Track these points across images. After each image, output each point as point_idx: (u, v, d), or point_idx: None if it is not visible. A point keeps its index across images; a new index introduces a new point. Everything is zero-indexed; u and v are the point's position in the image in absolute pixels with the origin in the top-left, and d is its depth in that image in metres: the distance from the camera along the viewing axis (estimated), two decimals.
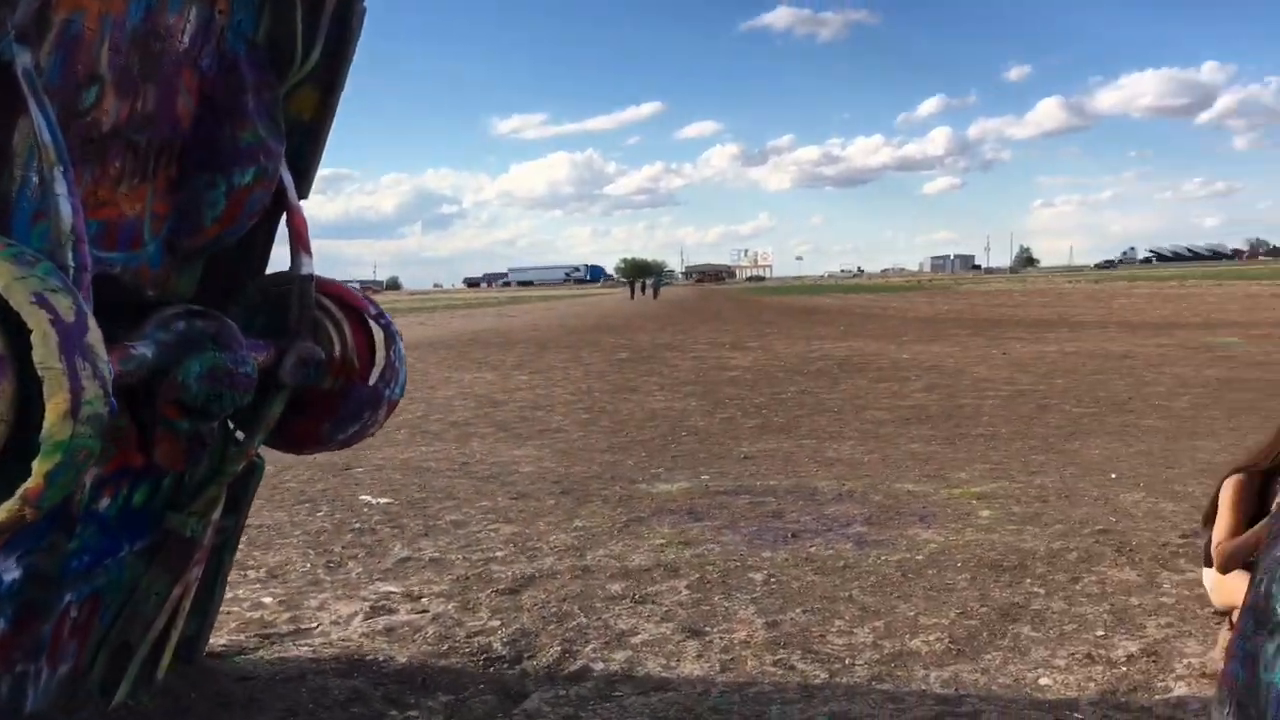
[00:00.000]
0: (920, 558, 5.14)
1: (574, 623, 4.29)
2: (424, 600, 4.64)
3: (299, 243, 3.26)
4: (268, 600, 4.64)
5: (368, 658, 3.92)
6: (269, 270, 3.52)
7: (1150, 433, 9.06)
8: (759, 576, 4.89)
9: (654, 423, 10.44)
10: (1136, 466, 7.48)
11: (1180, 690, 3.52)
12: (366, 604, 4.58)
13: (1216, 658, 3.72)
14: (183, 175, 2.96)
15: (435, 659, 3.92)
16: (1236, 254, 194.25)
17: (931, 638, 4.04)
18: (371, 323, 3.45)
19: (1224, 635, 3.76)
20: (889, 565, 5.02)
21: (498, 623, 4.30)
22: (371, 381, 3.38)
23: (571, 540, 5.62)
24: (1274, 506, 3.32)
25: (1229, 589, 3.74)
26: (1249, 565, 3.78)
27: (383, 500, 6.73)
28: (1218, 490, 4.00)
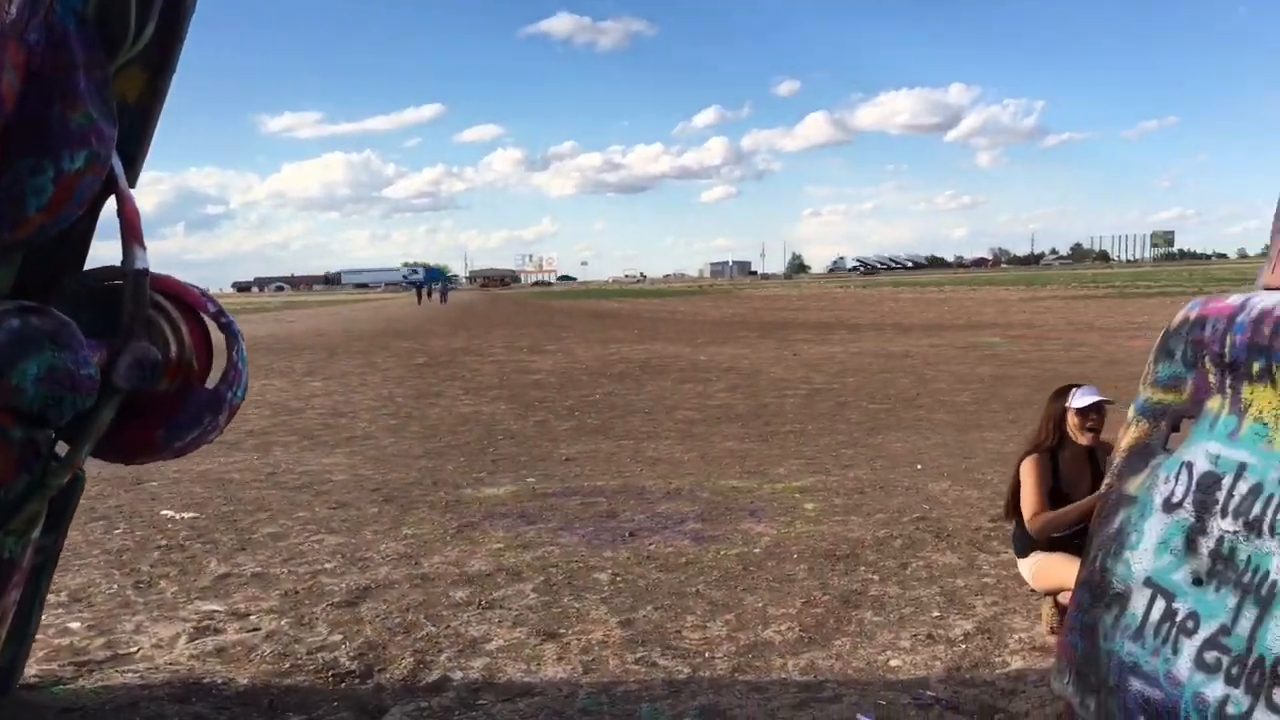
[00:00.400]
0: (758, 551, 5.26)
1: (422, 632, 4.14)
2: (253, 618, 4.36)
3: (131, 234, 2.99)
4: (75, 625, 4.25)
5: (203, 681, 3.65)
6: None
7: (942, 426, 9.64)
8: (604, 576, 4.87)
9: (466, 427, 10.26)
10: (937, 458, 7.94)
11: (1017, 664, 3.75)
12: (189, 625, 4.27)
13: (1043, 632, 3.99)
14: (5, 159, 2.66)
15: (279, 678, 3.69)
16: (981, 262, 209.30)
17: (783, 627, 4.14)
18: (210, 321, 3.20)
19: (1047, 611, 4.02)
20: (730, 559, 5.11)
21: (339, 637, 4.10)
22: (212, 384, 3.14)
23: (403, 548, 5.43)
24: (1103, 485, 3.56)
25: (1050, 573, 3.99)
26: (1065, 544, 4.06)
27: (187, 515, 6.30)
28: (1015, 477, 4.25)
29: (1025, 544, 4.16)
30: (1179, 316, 3.33)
